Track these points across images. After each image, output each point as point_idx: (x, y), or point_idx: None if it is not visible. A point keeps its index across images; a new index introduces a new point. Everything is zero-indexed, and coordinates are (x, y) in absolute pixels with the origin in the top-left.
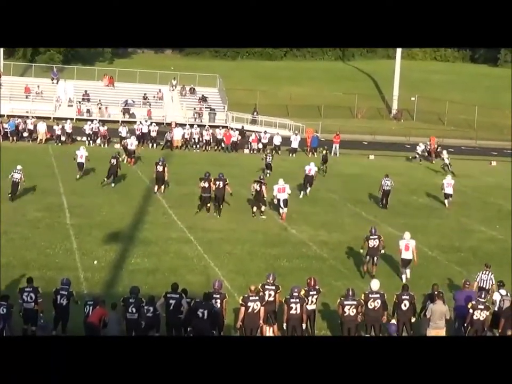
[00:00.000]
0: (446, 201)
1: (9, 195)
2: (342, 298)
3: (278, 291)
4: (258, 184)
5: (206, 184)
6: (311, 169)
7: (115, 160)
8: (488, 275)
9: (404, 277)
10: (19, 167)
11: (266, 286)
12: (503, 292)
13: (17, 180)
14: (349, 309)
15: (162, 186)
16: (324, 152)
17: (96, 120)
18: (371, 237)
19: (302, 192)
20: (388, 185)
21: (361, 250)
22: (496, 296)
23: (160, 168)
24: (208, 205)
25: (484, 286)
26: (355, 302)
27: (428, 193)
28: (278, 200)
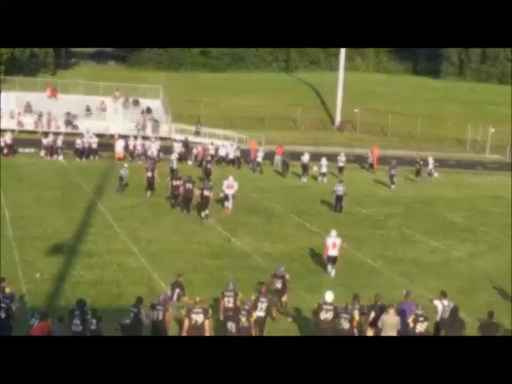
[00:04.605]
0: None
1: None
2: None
3: (238, 297)
4: (208, 190)
5: (179, 183)
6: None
7: (151, 172)
8: None
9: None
10: (126, 165)
11: (226, 293)
12: (445, 302)
13: (122, 175)
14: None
15: (149, 192)
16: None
17: (50, 132)
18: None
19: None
20: (339, 191)
21: None
22: (438, 306)
23: (149, 174)
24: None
25: None
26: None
27: (371, 204)
28: (226, 195)
